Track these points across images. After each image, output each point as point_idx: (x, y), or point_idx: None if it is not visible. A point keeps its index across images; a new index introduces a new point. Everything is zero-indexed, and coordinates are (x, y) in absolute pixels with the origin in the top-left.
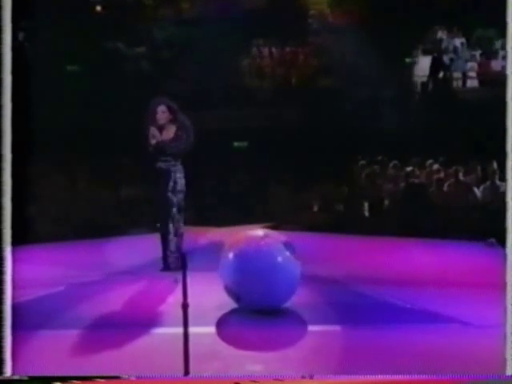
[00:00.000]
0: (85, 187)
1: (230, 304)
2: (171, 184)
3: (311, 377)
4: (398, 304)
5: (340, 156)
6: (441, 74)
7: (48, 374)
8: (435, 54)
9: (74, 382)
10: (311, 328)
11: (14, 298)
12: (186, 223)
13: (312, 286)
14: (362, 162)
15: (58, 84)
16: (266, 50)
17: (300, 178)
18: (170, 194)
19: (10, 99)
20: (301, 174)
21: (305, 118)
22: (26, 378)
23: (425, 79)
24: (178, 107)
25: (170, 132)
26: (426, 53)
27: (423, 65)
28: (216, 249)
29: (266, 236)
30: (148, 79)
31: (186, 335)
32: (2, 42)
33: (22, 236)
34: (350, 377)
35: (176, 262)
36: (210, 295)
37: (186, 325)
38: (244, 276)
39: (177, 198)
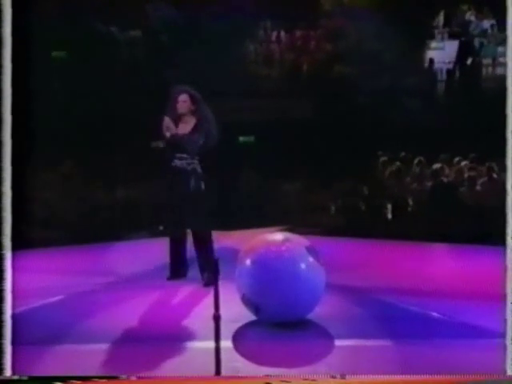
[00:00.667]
0: (80, 187)
1: (247, 316)
2: (187, 185)
3: (343, 376)
4: (433, 316)
5: (358, 152)
6: (469, 61)
7: (48, 374)
8: (463, 38)
9: (74, 381)
10: (338, 343)
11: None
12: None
13: (336, 295)
14: (384, 159)
15: (42, 73)
16: (273, 34)
17: (314, 176)
18: (185, 196)
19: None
20: (314, 172)
21: (318, 109)
22: (25, 378)
23: (451, 66)
24: (201, 97)
25: (188, 125)
26: (452, 37)
27: (449, 50)
28: (228, 255)
29: (286, 240)
30: (144, 67)
31: (217, 349)
32: None
33: (19, 242)
34: (383, 377)
35: (184, 271)
36: (224, 306)
37: (217, 338)
38: (263, 285)
39: (193, 201)
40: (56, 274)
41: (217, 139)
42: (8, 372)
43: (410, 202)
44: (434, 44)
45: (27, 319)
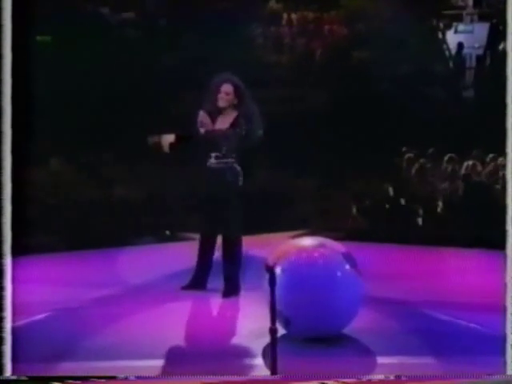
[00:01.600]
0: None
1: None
2: (224, 185)
3: (398, 377)
4: (481, 330)
5: (380, 148)
6: (501, 46)
7: (47, 374)
8: (494, 21)
9: (74, 381)
10: (381, 360)
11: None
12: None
13: (370, 307)
14: (409, 155)
15: (27, 59)
16: (283, 16)
17: (330, 174)
18: (221, 198)
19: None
20: (331, 170)
21: (333, 100)
22: (25, 378)
23: (481, 52)
24: (246, 89)
25: (227, 119)
26: (482, 19)
27: (479, 34)
28: (250, 263)
29: (321, 246)
30: (137, 53)
31: (273, 367)
32: None
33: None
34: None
35: (205, 282)
36: (249, 319)
37: (274, 354)
38: (295, 295)
39: (230, 204)
40: (56, 284)
41: (259, 138)
42: (8, 372)
43: (440, 203)
44: (461, 27)
45: (27, 334)
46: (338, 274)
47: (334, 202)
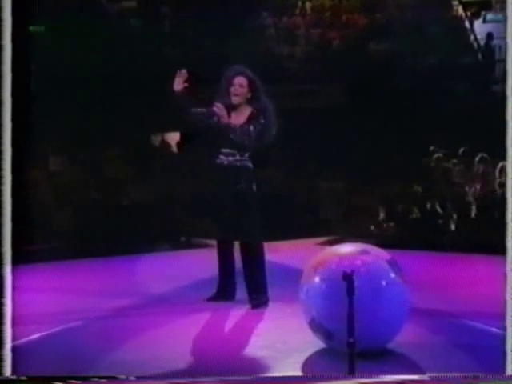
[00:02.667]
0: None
1: (313, 344)
2: (237, 185)
3: (476, 378)
4: None
5: (405, 147)
6: None
7: (48, 374)
8: None
9: (74, 381)
10: (432, 375)
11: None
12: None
13: (414, 318)
14: (438, 155)
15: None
16: (297, 5)
17: (355, 175)
18: (234, 199)
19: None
20: (355, 171)
21: (352, 95)
22: (24, 379)
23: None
24: (261, 83)
25: (241, 115)
26: None
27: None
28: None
29: (364, 252)
30: (140, 45)
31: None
32: None
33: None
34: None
35: (233, 292)
36: (283, 332)
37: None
38: (338, 307)
39: (243, 205)
40: (65, 294)
41: (274, 136)
42: (8, 372)
43: (474, 207)
44: (490, 16)
45: (32, 350)
46: (383, 282)
47: (357, 205)
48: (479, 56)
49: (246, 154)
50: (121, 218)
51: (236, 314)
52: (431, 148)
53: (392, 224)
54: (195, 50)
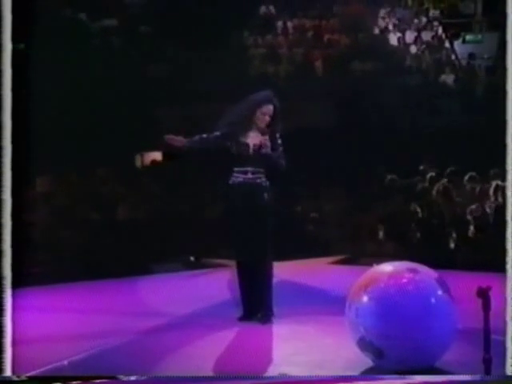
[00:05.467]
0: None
1: (360, 362)
2: (257, 202)
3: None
4: None
5: (395, 165)
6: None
7: (48, 374)
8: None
9: (74, 382)
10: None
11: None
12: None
13: None
14: (431, 174)
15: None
16: (278, 24)
17: (345, 196)
18: (254, 217)
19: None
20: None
21: (337, 115)
22: (25, 378)
23: (491, 62)
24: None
25: (260, 136)
26: (492, 28)
27: (489, 43)
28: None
29: (412, 271)
30: (120, 63)
31: None
32: None
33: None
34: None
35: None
36: (326, 351)
37: None
38: (387, 325)
39: (262, 222)
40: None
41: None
42: (8, 372)
43: (471, 226)
44: (469, 36)
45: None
46: (432, 300)
47: (354, 224)
48: (459, 75)
49: (263, 174)
50: (125, 237)
51: (236, 330)
52: (421, 167)
53: (393, 243)
54: (177, 69)
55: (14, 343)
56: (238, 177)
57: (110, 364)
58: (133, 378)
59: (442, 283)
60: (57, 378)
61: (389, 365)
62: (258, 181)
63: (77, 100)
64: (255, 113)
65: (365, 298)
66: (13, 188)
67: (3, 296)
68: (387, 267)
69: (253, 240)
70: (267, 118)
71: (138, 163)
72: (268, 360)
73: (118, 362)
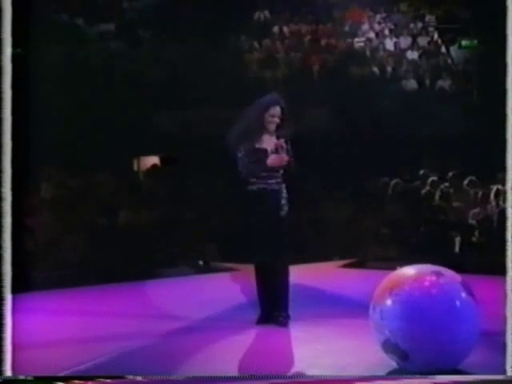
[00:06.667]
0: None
1: (383, 364)
2: (277, 207)
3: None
4: None
5: (396, 169)
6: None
7: (48, 374)
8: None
9: (75, 381)
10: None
11: None
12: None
13: None
14: (433, 179)
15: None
16: (275, 29)
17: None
18: (274, 221)
19: None
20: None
21: (335, 119)
22: (25, 378)
23: (487, 67)
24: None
25: (271, 140)
26: (488, 33)
27: (485, 48)
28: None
29: (436, 274)
30: (117, 67)
31: None
32: None
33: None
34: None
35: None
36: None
37: None
38: (413, 328)
39: (281, 226)
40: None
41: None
42: (8, 372)
43: (476, 230)
44: (465, 42)
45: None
46: (457, 303)
47: (357, 228)
48: (456, 80)
49: (279, 176)
50: (132, 241)
51: (279, 334)
52: (421, 172)
53: (398, 245)
54: (174, 73)
55: (15, 347)
56: (255, 182)
57: (127, 367)
58: (139, 378)
59: (466, 286)
60: (58, 378)
61: (413, 367)
62: (277, 187)
63: (75, 105)
64: (264, 116)
65: (389, 301)
66: (13, 194)
67: (3, 302)
68: (411, 270)
69: (271, 243)
70: (276, 120)
71: (136, 168)
72: (290, 363)
73: (137, 365)
